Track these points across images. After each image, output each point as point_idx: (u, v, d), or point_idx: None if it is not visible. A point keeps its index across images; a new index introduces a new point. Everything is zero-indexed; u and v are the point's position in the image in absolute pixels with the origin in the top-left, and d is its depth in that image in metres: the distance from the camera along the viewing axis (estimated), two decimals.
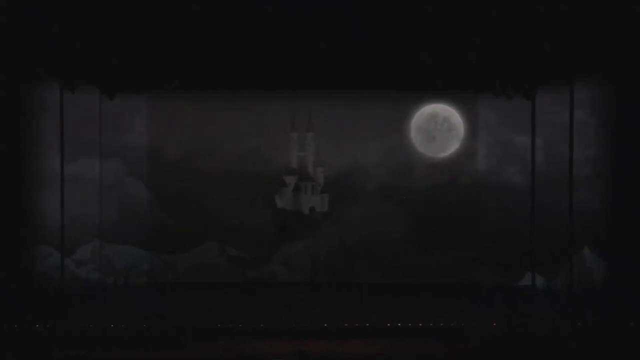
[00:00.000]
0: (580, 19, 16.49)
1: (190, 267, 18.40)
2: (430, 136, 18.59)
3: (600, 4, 16.41)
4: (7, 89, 17.20)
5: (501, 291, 18.01)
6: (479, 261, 18.14)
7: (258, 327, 17.74)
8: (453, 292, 17.99)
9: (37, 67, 16.96)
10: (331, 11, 16.52)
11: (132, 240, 18.29)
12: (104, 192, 18.18)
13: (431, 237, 18.37)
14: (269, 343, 16.97)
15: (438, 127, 18.58)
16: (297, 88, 17.88)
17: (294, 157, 18.69)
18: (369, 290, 18.11)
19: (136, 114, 18.39)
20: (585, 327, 17.22)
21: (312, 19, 16.55)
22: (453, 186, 18.42)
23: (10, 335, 16.89)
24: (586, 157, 17.90)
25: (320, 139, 18.66)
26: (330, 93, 18.07)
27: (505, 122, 18.21)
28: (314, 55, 16.87)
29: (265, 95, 18.05)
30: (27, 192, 17.63)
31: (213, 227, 18.42)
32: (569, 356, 16.28)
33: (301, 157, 18.71)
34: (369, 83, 17.47)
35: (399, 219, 18.42)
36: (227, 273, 18.44)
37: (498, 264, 18.15)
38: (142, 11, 16.42)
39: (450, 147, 18.60)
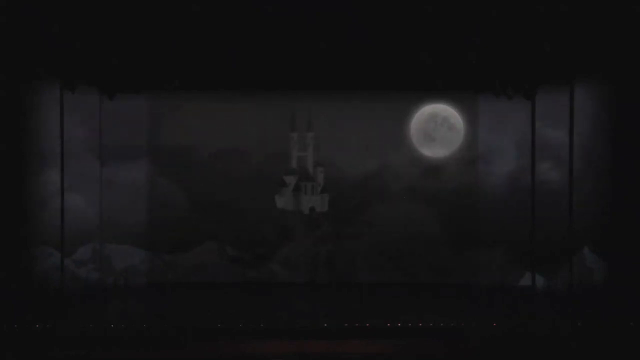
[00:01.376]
0: (580, 19, 16.50)
1: (190, 267, 18.40)
2: (430, 137, 18.58)
3: (601, 4, 16.43)
4: (7, 89, 17.20)
5: (501, 291, 18.01)
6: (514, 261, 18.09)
7: (258, 327, 17.74)
8: (453, 292, 17.99)
9: (37, 67, 16.96)
10: (331, 11, 16.53)
11: (132, 240, 18.28)
12: (138, 193, 18.20)
13: (460, 237, 18.31)
14: (269, 343, 16.97)
15: (438, 126, 18.57)
16: (297, 88, 17.89)
17: (294, 157, 18.69)
18: (369, 290, 18.11)
19: (169, 114, 18.36)
20: (585, 327, 17.23)
21: (312, 19, 16.56)
22: (479, 187, 18.37)
23: (10, 335, 16.89)
24: (586, 156, 17.92)
25: (321, 139, 18.64)
26: (330, 93, 18.07)
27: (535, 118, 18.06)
28: (314, 55, 16.89)
29: (265, 95, 18.06)
30: (27, 192, 17.63)
31: (213, 227, 18.42)
32: (569, 356, 16.28)
33: (301, 157, 18.71)
34: (369, 83, 17.48)
35: (425, 219, 18.38)
36: (227, 273, 18.43)
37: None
38: (142, 11, 16.43)
39: (451, 147, 18.62)
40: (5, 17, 16.45)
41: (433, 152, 18.57)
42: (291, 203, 18.62)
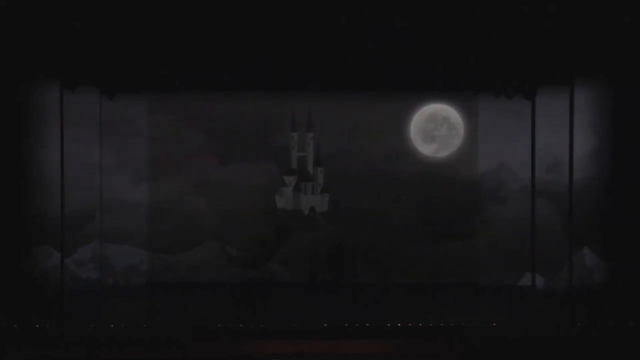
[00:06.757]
0: (580, 19, 16.52)
1: (190, 267, 18.40)
2: (429, 136, 18.58)
3: (601, 4, 16.44)
4: (7, 89, 17.20)
5: (501, 291, 18.01)
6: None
7: (258, 327, 17.73)
8: (453, 292, 17.99)
9: (37, 67, 16.97)
10: (330, 12, 16.55)
11: (132, 240, 18.29)
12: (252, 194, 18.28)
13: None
14: (269, 343, 16.97)
15: (438, 126, 18.56)
16: (296, 88, 17.89)
17: (294, 157, 18.70)
18: (369, 290, 18.11)
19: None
20: (585, 327, 17.22)
21: (312, 19, 16.58)
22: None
23: (10, 335, 16.89)
24: (587, 156, 17.92)
25: (320, 139, 18.65)
26: (330, 93, 18.07)
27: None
28: (314, 55, 16.91)
29: (267, 94, 18.08)
30: (27, 191, 17.63)
31: (213, 226, 18.43)
32: (568, 356, 16.28)
33: (301, 157, 18.71)
34: (369, 83, 17.49)
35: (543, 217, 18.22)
36: (227, 273, 18.44)
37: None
38: (141, 11, 16.44)
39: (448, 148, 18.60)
40: (5, 17, 16.45)
41: (433, 151, 18.55)
42: (291, 203, 18.63)
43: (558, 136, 18.03)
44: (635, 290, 17.24)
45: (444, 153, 18.47)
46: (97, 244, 18.16)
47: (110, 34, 16.65)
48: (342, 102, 18.21)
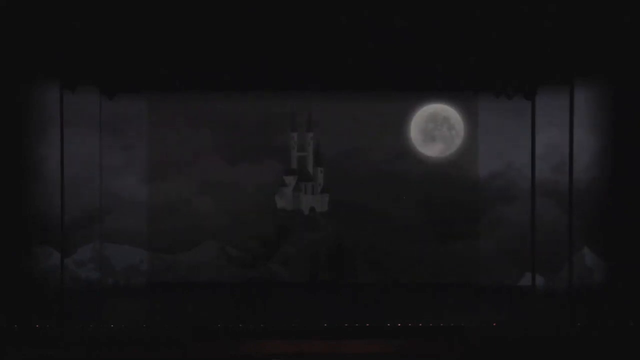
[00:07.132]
0: (580, 19, 16.52)
1: (190, 267, 18.41)
2: (430, 136, 18.59)
3: (601, 4, 16.44)
4: (7, 89, 17.21)
5: (501, 291, 18.01)
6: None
7: (258, 327, 17.74)
8: (453, 292, 17.99)
9: (37, 67, 16.98)
10: (330, 12, 16.55)
11: (132, 240, 18.29)
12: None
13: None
14: (269, 343, 16.97)
15: (438, 126, 18.57)
16: (296, 88, 17.90)
17: (294, 157, 18.70)
18: (369, 290, 18.11)
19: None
20: (585, 327, 17.22)
21: (311, 19, 16.58)
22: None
23: (10, 335, 16.89)
24: (586, 156, 17.91)
25: (320, 139, 18.66)
26: (330, 93, 18.07)
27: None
28: (314, 55, 16.91)
29: (267, 94, 18.08)
30: (27, 191, 17.63)
31: (213, 227, 18.43)
32: (569, 356, 16.28)
33: (301, 157, 18.72)
34: (369, 83, 17.49)
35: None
36: (227, 273, 18.44)
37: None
38: (142, 11, 16.45)
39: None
40: (5, 17, 16.46)
41: (439, 152, 18.55)
42: (291, 203, 18.63)
43: (559, 136, 18.03)
44: (635, 290, 17.23)
45: (445, 153, 18.48)
46: (97, 244, 18.17)
47: (110, 34, 16.66)
48: (342, 102, 18.23)
